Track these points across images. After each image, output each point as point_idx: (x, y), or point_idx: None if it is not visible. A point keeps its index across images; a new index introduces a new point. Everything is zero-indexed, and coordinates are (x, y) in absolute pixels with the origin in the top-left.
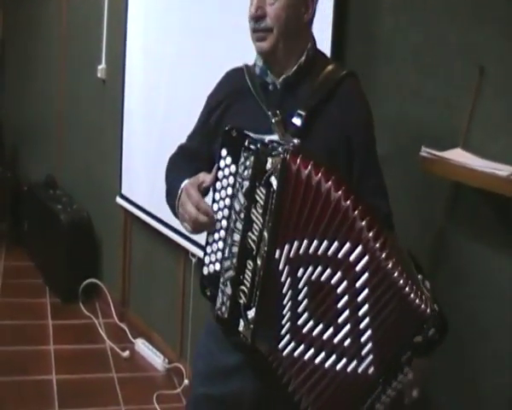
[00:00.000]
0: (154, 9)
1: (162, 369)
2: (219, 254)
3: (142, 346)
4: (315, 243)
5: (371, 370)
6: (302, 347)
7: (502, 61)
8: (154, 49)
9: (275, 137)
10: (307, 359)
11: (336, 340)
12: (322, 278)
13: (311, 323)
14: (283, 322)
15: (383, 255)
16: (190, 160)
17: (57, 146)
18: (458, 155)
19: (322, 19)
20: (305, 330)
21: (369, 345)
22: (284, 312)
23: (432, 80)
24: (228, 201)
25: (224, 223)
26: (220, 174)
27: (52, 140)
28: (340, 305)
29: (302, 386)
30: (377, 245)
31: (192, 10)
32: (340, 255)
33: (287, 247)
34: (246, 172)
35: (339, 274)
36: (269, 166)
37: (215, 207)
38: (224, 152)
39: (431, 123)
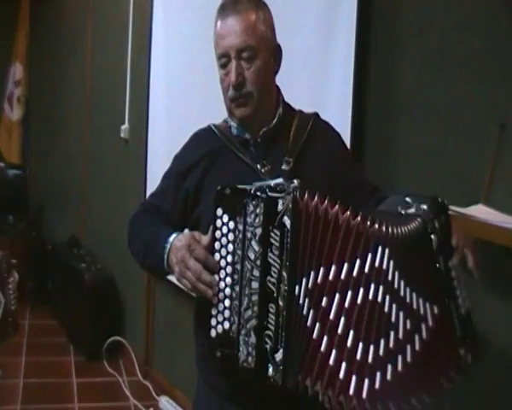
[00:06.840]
0: (177, 69)
1: None
2: (227, 313)
3: (165, 404)
4: (333, 268)
5: (436, 311)
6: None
7: None
8: (177, 108)
9: (279, 180)
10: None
11: (400, 335)
12: (359, 300)
13: (361, 346)
14: (312, 354)
15: (395, 233)
16: (159, 217)
17: (81, 205)
18: (480, 212)
19: (343, 74)
20: (358, 355)
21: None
22: (314, 344)
23: (453, 137)
24: (230, 258)
25: (229, 280)
26: (218, 234)
27: (76, 200)
28: (393, 312)
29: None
30: (389, 232)
31: (215, 68)
32: (366, 270)
33: (304, 280)
34: (257, 220)
35: (373, 286)
36: (280, 207)
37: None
38: (219, 211)
39: (453, 179)
